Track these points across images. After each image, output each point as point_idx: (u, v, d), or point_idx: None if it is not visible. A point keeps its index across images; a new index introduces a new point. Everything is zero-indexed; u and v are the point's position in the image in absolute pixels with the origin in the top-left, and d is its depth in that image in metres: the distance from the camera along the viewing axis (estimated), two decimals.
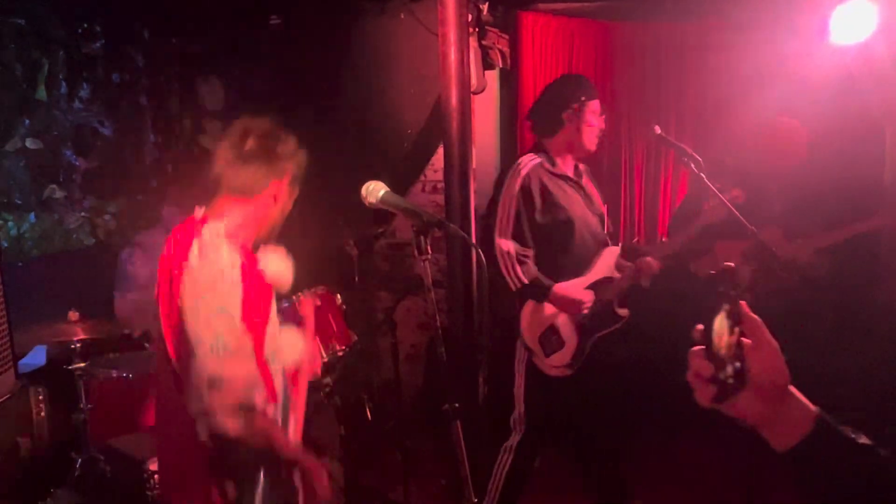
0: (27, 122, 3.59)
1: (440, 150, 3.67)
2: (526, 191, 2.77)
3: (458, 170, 3.39)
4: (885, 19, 3.37)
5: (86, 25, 3.91)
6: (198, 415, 1.64)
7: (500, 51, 4.30)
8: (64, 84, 3.78)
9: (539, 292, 2.75)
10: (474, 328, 3.47)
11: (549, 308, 2.80)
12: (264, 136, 1.83)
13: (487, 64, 4.15)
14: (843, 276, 3.46)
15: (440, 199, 4.05)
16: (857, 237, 3.19)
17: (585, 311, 2.78)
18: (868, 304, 3.94)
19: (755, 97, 3.75)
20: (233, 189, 1.81)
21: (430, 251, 1.71)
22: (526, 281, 2.72)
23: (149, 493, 2.60)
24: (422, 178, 4.37)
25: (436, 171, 4.27)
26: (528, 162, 2.84)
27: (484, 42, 4.11)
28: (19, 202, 3.57)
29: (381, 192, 1.78)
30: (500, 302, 4.56)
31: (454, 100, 3.32)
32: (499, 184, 2.85)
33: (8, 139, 3.49)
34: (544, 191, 2.79)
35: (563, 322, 2.82)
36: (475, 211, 3.54)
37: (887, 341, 3.66)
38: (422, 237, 1.70)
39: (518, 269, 2.72)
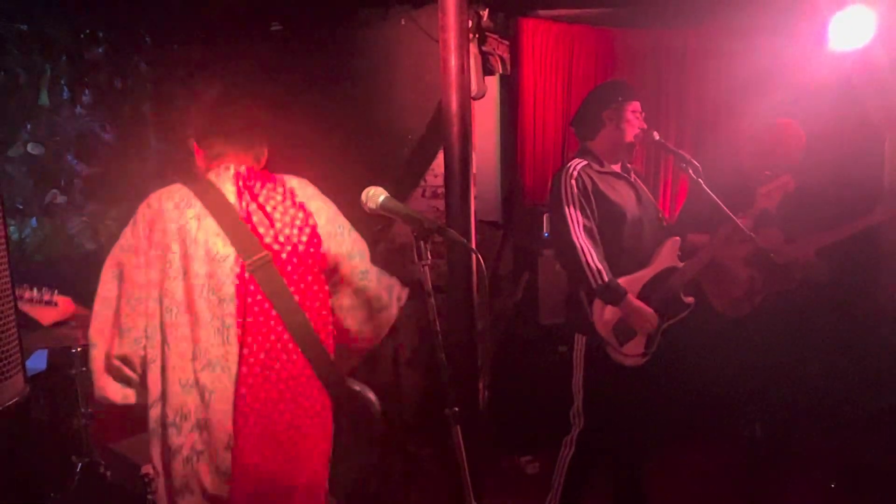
0: (29, 127, 3.60)
1: (440, 156, 3.68)
2: (582, 189, 2.85)
3: (459, 175, 3.39)
4: (883, 26, 3.38)
5: (88, 31, 3.93)
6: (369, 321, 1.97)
7: (501, 57, 4.32)
8: (66, 90, 3.80)
9: (613, 296, 2.82)
10: (474, 333, 3.47)
11: None
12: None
13: (488, 70, 4.16)
14: (844, 277, 3.47)
15: (440, 204, 4.06)
16: (856, 237, 3.20)
17: (652, 326, 2.85)
18: (868, 305, 3.95)
19: (754, 103, 3.76)
20: (259, 158, 1.97)
21: (429, 256, 1.72)
22: (607, 279, 2.78)
23: (149, 496, 2.61)
24: (422, 183, 4.38)
25: (436, 177, 4.27)
26: (577, 164, 2.92)
27: (484, 48, 4.13)
28: (21, 207, 3.58)
29: (381, 198, 1.79)
30: (500, 307, 4.58)
31: (454, 105, 3.33)
32: (555, 189, 2.91)
33: (10, 145, 3.51)
34: (596, 189, 2.87)
35: None
36: (475, 216, 3.55)
37: (888, 341, 3.67)
38: (422, 242, 1.71)
39: (600, 265, 2.78)
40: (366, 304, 1.96)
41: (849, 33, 3.45)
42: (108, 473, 2.84)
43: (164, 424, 1.74)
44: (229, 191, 1.83)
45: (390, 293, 2.02)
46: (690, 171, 2.87)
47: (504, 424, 4.15)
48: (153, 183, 4.16)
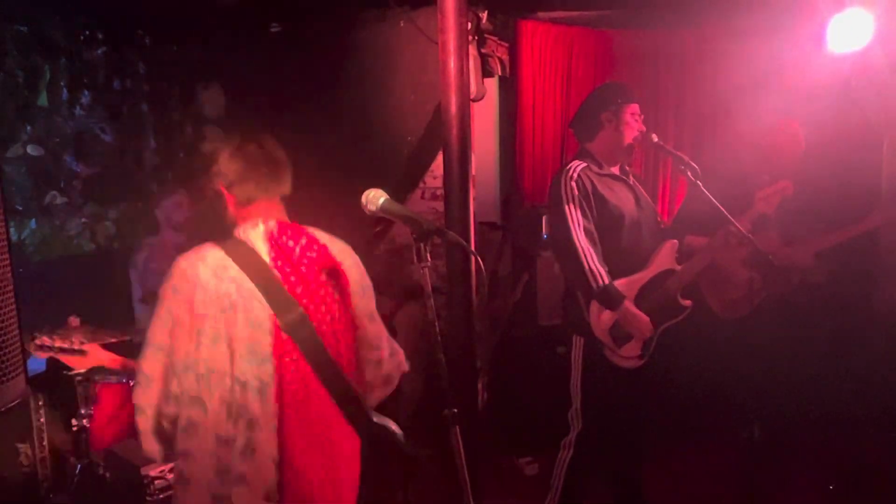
0: (29, 128, 3.60)
1: (440, 158, 3.68)
2: (583, 192, 2.86)
3: (458, 177, 3.40)
4: (882, 28, 3.39)
5: (87, 32, 3.93)
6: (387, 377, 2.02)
7: (500, 59, 4.32)
8: (65, 91, 3.80)
9: (612, 301, 2.82)
10: (473, 334, 3.47)
11: None
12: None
13: (487, 72, 4.17)
14: (842, 280, 3.48)
15: (440, 205, 4.06)
16: (855, 240, 3.21)
17: (646, 335, 2.85)
18: (866, 308, 3.96)
19: (753, 105, 3.77)
20: (284, 197, 1.97)
21: (429, 258, 1.72)
22: (607, 281, 2.78)
23: (148, 498, 2.61)
24: (421, 185, 4.39)
25: (435, 178, 4.28)
26: (577, 166, 2.93)
27: (483, 50, 4.14)
28: (20, 208, 3.58)
29: (381, 200, 1.79)
30: (499, 308, 4.58)
31: (453, 107, 3.33)
32: (554, 190, 2.92)
33: (10, 145, 3.50)
34: (595, 191, 2.88)
35: None
36: (474, 217, 3.55)
37: (885, 344, 3.68)
38: (421, 244, 1.71)
39: (601, 267, 2.79)
40: (377, 365, 2.03)
41: (847, 35, 3.45)
42: (108, 475, 2.83)
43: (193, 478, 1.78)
44: (262, 250, 1.85)
45: (397, 369, 2.09)
46: (689, 174, 2.88)
47: (503, 425, 4.15)
48: (151, 184, 4.19)
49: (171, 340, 1.76)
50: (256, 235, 1.86)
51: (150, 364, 1.77)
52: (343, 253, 1.96)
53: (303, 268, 1.87)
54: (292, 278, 1.84)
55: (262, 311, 1.79)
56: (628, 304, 2.83)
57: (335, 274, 1.92)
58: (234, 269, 1.79)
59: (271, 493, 1.78)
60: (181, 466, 1.79)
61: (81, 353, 2.05)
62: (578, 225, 2.82)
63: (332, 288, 1.91)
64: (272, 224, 1.89)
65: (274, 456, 1.78)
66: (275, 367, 1.79)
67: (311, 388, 1.84)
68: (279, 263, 1.84)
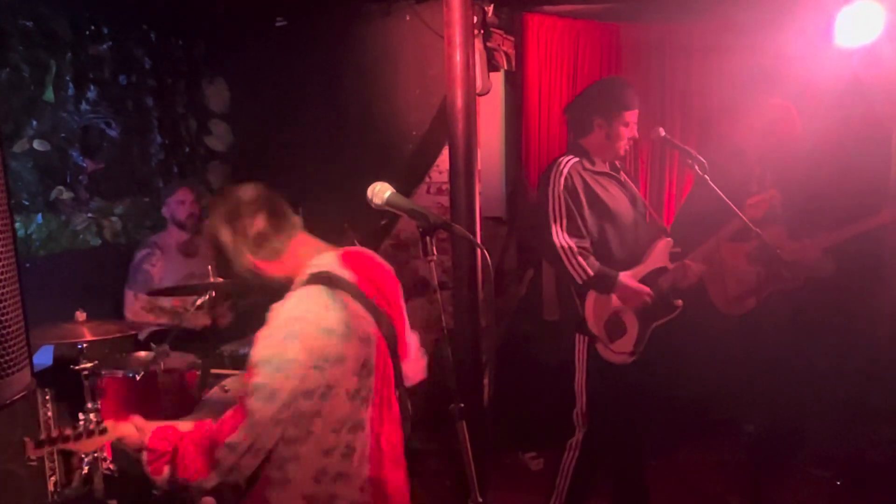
0: (35, 123, 3.60)
1: (445, 152, 3.67)
2: (571, 189, 2.84)
3: (464, 171, 3.40)
4: (891, 21, 3.36)
5: (93, 27, 3.92)
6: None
7: (506, 52, 4.31)
8: (71, 86, 3.79)
9: (605, 283, 2.82)
10: (479, 329, 3.47)
11: (612, 297, 2.87)
12: None
13: (493, 66, 4.16)
14: (848, 277, 3.46)
15: (445, 200, 4.06)
16: (862, 236, 3.19)
17: (648, 302, 2.85)
18: (873, 305, 3.93)
19: (760, 99, 3.74)
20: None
21: (435, 252, 1.72)
22: (591, 273, 2.78)
23: (154, 492, 2.61)
24: (427, 179, 4.38)
25: (441, 173, 4.27)
26: (567, 162, 2.90)
27: (489, 44, 4.12)
28: (27, 203, 3.58)
29: (387, 194, 1.79)
30: (504, 302, 4.57)
31: (459, 101, 3.33)
32: (542, 185, 2.91)
33: (16, 141, 3.50)
34: (587, 188, 2.87)
35: (624, 310, 2.89)
36: (480, 212, 3.54)
37: (891, 342, 3.66)
38: (427, 238, 1.71)
39: (582, 261, 2.78)
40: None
41: (856, 29, 3.42)
42: (114, 468, 2.84)
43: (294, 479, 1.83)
44: (346, 275, 1.86)
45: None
46: (696, 167, 2.87)
47: (508, 420, 4.15)
48: (157, 178, 4.19)
49: (295, 381, 1.73)
50: (334, 264, 1.87)
51: (267, 409, 1.73)
52: (386, 263, 2.07)
53: (378, 282, 1.95)
54: (376, 294, 1.92)
55: (369, 327, 1.85)
56: (622, 279, 2.81)
57: (394, 281, 2.04)
58: (338, 299, 1.80)
59: (365, 486, 1.87)
60: (284, 469, 1.81)
61: (101, 431, 1.88)
62: (561, 224, 2.81)
63: (399, 292, 2.05)
64: (337, 252, 1.94)
65: (367, 454, 1.86)
66: (376, 376, 1.88)
67: (392, 390, 1.96)
68: (362, 283, 1.88)
